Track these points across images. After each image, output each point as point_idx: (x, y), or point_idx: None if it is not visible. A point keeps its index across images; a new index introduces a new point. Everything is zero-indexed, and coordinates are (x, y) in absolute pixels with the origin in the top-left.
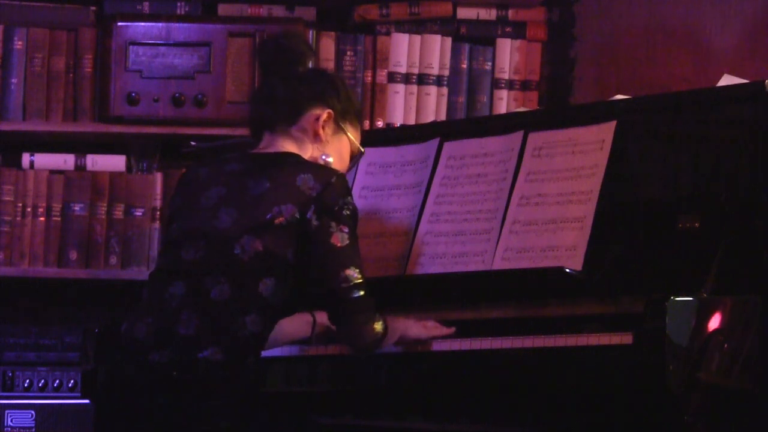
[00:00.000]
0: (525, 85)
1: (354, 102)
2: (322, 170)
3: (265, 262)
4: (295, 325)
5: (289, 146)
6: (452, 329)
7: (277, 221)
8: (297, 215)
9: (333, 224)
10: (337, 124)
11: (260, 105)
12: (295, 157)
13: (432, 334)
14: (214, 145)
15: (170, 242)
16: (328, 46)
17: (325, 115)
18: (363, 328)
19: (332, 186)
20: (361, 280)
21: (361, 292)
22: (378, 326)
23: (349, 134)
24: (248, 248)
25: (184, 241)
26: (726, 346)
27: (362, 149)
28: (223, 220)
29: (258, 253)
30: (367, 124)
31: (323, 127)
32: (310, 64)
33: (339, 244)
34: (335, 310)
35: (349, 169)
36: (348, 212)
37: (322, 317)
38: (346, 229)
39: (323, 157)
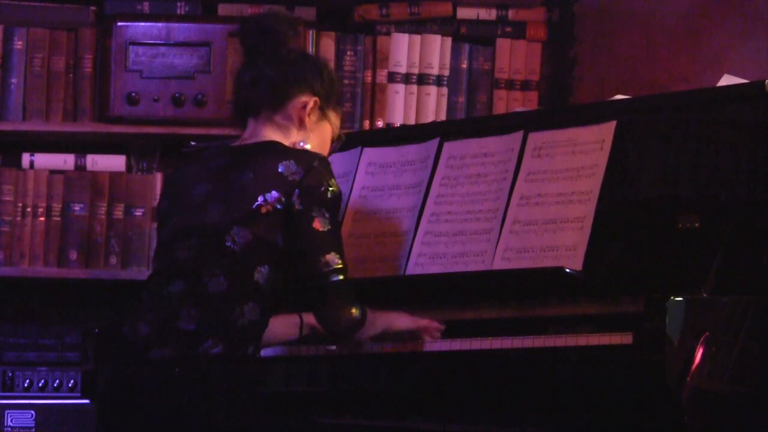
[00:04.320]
0: (525, 85)
1: (335, 86)
2: (304, 155)
3: (257, 250)
4: (283, 326)
5: (272, 134)
6: (442, 326)
7: (263, 210)
8: (282, 200)
9: (315, 208)
10: (321, 111)
11: (245, 89)
12: (276, 145)
13: (421, 325)
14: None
15: (163, 243)
16: (328, 46)
17: (311, 103)
18: (340, 311)
19: (315, 170)
20: (341, 266)
21: (341, 277)
22: (356, 311)
23: (331, 120)
24: (239, 239)
25: (177, 240)
26: (725, 346)
27: (342, 135)
28: (212, 214)
29: (249, 243)
30: (367, 124)
31: (309, 115)
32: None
33: (320, 229)
34: (314, 294)
35: (329, 155)
36: (330, 195)
37: (309, 318)
38: (327, 214)
39: (300, 143)
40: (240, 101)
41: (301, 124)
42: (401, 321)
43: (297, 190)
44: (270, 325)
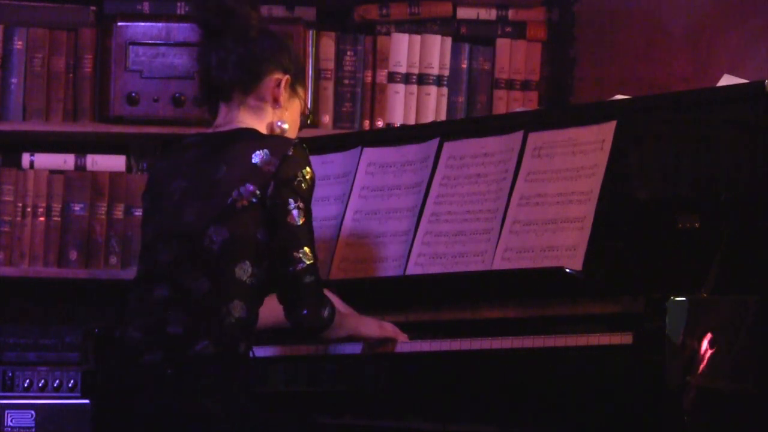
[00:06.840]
0: (525, 85)
1: (301, 63)
2: (278, 143)
3: (235, 247)
4: (276, 308)
5: (246, 118)
6: (406, 335)
7: (238, 204)
8: (257, 193)
9: (291, 200)
10: (292, 88)
11: (213, 71)
12: (250, 133)
13: (386, 334)
14: None
15: (146, 246)
16: (328, 46)
17: (284, 81)
18: (310, 313)
19: (290, 158)
20: (312, 262)
21: (313, 277)
22: (325, 313)
23: (300, 96)
24: (216, 237)
25: (158, 243)
26: (725, 346)
27: (309, 110)
28: (188, 213)
29: (227, 240)
30: (367, 124)
31: (282, 92)
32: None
33: (294, 223)
34: (285, 291)
35: (300, 129)
36: (305, 186)
37: None
38: (302, 205)
39: (279, 123)
40: (207, 85)
41: (276, 103)
42: (367, 329)
43: (272, 182)
44: (267, 302)
